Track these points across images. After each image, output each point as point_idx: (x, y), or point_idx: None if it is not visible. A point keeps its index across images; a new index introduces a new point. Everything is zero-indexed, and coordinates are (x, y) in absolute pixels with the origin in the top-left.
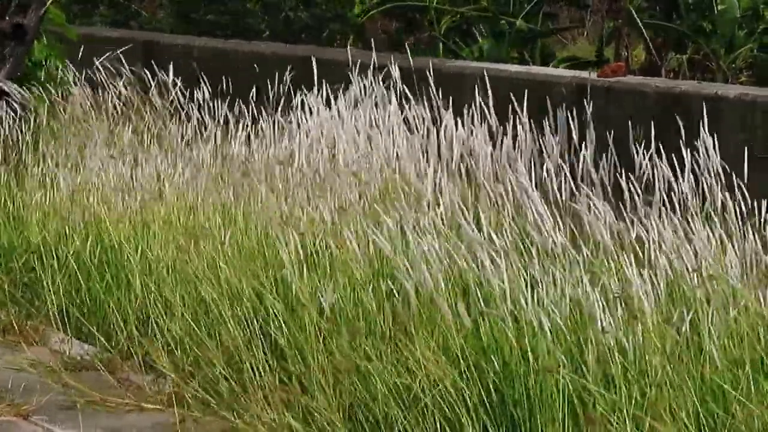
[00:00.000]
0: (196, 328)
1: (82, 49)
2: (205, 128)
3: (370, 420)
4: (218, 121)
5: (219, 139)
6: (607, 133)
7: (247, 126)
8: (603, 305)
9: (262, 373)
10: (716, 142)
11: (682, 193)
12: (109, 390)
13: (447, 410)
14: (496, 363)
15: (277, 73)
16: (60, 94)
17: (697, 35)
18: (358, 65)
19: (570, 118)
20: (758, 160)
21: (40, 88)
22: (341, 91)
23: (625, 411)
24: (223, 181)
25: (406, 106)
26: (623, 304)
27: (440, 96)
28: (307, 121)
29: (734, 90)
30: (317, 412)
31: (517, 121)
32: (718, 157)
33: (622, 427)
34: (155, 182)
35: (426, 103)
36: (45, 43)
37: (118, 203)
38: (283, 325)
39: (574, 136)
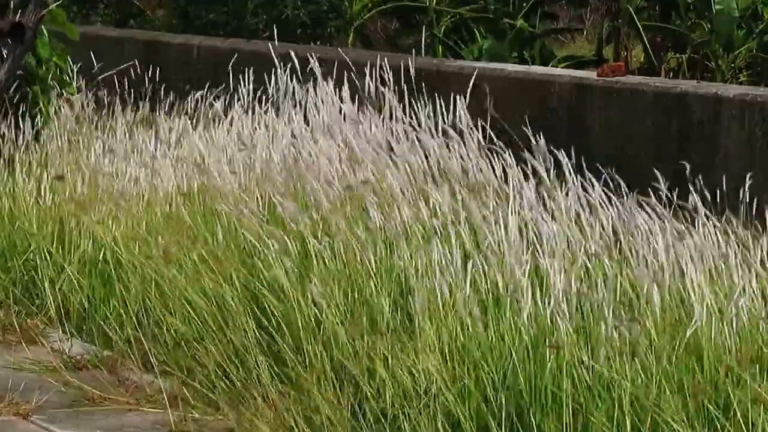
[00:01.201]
0: (194, 328)
1: (81, 48)
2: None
3: (372, 418)
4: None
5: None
6: (607, 133)
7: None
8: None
9: (262, 372)
10: (715, 143)
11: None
12: (109, 389)
13: (452, 408)
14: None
15: (275, 72)
16: (61, 94)
17: (696, 35)
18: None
19: (569, 118)
20: (759, 159)
21: (44, 88)
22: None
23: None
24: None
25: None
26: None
27: (439, 96)
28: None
29: (734, 90)
30: (319, 412)
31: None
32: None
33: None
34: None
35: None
36: (47, 42)
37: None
38: (281, 322)
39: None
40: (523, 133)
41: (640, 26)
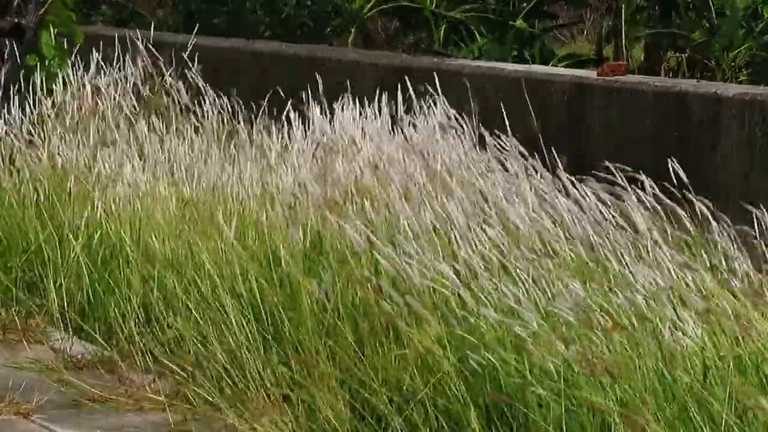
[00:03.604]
0: (197, 326)
1: (82, 47)
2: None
3: (371, 416)
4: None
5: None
6: (607, 133)
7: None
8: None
9: (265, 370)
10: (716, 142)
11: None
12: (109, 389)
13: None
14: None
15: (275, 72)
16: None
17: (696, 35)
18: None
19: (569, 117)
20: (758, 159)
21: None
22: None
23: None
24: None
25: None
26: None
27: (440, 95)
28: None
29: (734, 89)
30: (321, 411)
31: None
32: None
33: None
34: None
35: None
36: (52, 42)
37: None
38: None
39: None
40: None
41: (623, 28)
